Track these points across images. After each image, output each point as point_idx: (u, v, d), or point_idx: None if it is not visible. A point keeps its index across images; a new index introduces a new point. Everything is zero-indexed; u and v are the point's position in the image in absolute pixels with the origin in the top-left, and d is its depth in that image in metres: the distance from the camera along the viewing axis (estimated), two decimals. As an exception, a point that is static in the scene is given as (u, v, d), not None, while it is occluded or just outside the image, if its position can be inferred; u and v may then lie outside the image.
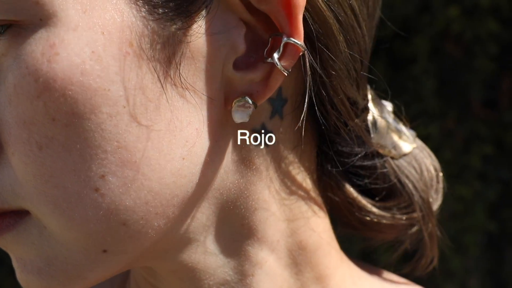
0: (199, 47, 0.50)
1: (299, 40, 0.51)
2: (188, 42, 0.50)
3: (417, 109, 1.87)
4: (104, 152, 0.49)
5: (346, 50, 0.55)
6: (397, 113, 0.67)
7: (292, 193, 0.58)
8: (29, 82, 0.47)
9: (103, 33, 0.47)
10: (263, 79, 0.52)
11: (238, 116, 0.52)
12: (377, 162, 0.63)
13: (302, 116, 0.54)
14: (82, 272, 0.53)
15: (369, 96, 0.62)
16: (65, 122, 0.48)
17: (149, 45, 0.49)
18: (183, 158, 0.51)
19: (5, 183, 0.51)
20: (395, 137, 0.63)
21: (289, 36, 0.50)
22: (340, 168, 0.60)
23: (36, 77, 0.47)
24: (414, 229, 0.66)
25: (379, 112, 0.63)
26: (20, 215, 0.53)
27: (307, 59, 0.53)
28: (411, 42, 1.92)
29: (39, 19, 0.47)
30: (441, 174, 0.67)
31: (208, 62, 0.51)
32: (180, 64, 0.50)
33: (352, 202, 0.63)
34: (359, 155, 0.61)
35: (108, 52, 0.48)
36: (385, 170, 0.63)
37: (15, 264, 0.56)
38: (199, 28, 0.50)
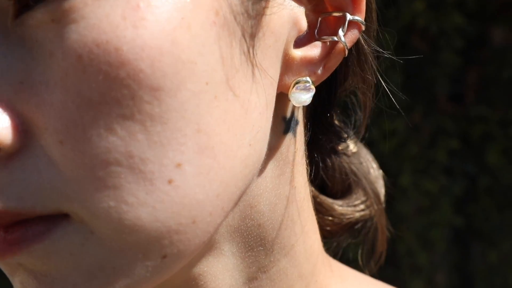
0: (268, 22, 0.46)
1: (362, 18, 0.48)
2: (263, 15, 0.45)
3: (383, 103, 1.87)
4: (184, 136, 0.42)
5: (375, 35, 0.54)
6: (353, 115, 0.68)
7: (306, 190, 0.54)
8: (108, 52, 0.40)
9: None
10: (322, 59, 0.49)
11: (302, 98, 0.48)
12: (334, 159, 0.61)
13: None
14: (133, 285, 0.45)
15: None
16: (147, 100, 0.41)
17: (233, 16, 0.44)
18: (250, 145, 0.46)
19: (42, 180, 0.42)
20: (350, 134, 0.62)
21: (352, 14, 0.48)
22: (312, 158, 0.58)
23: (117, 46, 0.40)
24: (359, 225, 0.64)
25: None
26: (54, 221, 0.43)
27: (361, 39, 0.51)
28: (376, 36, 1.91)
29: None
30: (381, 171, 0.67)
31: (274, 39, 0.47)
32: (254, 39, 0.45)
33: (312, 201, 0.58)
34: (345, 148, 0.59)
35: (197, 19, 0.42)
36: (342, 167, 0.61)
37: (29, 284, 0.45)
38: (274, 2, 0.46)
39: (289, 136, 0.51)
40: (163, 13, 0.42)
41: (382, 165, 0.67)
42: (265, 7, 0.46)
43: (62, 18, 0.41)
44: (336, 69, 0.51)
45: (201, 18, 0.43)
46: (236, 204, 0.48)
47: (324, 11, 0.49)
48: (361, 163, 0.64)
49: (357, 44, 0.52)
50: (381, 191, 0.66)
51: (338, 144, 0.59)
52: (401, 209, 2.08)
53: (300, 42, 0.49)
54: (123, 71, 0.41)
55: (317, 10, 0.49)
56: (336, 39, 0.48)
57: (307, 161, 0.56)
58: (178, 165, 0.43)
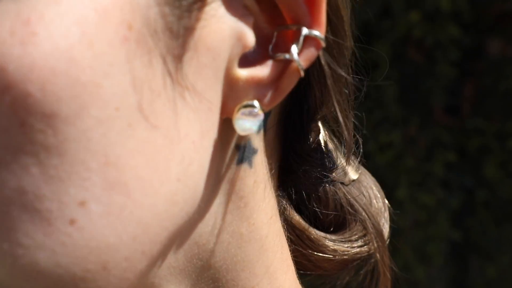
0: (203, 37, 0.40)
1: (322, 33, 0.41)
2: (194, 29, 0.39)
3: (379, 116, 1.86)
4: (88, 170, 0.37)
5: (351, 47, 0.46)
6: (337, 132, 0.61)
7: (271, 228, 0.48)
8: None
9: (96, 9, 0.37)
10: (273, 80, 0.42)
11: (245, 126, 0.42)
12: (327, 188, 0.53)
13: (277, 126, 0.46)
14: None
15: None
16: (39, 128, 0.36)
17: (151, 31, 0.38)
18: (178, 180, 0.40)
19: None
20: (343, 162, 0.54)
21: (309, 28, 0.41)
22: (295, 190, 0.51)
23: (2, 65, 0.35)
24: (358, 262, 0.58)
25: (326, 132, 0.53)
26: None
27: (322, 58, 0.43)
28: (372, 47, 1.90)
29: None
30: (387, 202, 0.58)
31: (212, 57, 0.40)
32: (183, 57, 0.39)
33: (302, 234, 0.53)
34: (332, 176, 0.51)
35: (103, 35, 0.37)
36: (337, 197, 0.53)
37: None
38: (211, 12, 0.40)
39: (244, 167, 0.45)
40: (59, 27, 0.36)
41: (378, 178, 0.64)
42: (195, 20, 0.39)
43: None
44: (306, 89, 0.45)
45: (108, 33, 0.37)
46: (166, 246, 0.42)
47: (281, 24, 0.42)
48: (361, 193, 0.56)
49: (319, 63, 0.45)
50: (385, 225, 0.58)
51: (326, 173, 0.52)
52: (397, 223, 2.05)
53: (248, 60, 0.42)
54: (9, 95, 0.36)
55: (274, 23, 0.42)
56: (289, 57, 0.41)
57: (288, 192, 0.51)
58: (82, 204, 0.38)
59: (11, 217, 0.37)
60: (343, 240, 0.54)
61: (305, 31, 0.40)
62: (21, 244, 0.37)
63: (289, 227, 0.52)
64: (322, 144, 0.49)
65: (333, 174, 0.52)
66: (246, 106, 0.41)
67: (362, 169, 0.57)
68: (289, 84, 0.42)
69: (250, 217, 0.46)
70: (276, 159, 0.48)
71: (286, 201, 0.50)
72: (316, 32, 0.40)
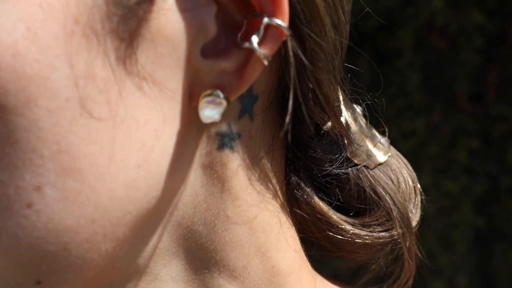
0: (160, 28, 0.41)
1: (283, 22, 0.41)
2: (148, 21, 0.40)
3: (402, 103, 1.85)
4: (41, 157, 0.39)
5: (333, 36, 0.46)
6: (368, 117, 0.59)
7: (261, 209, 0.49)
8: None
9: (42, 5, 0.38)
10: (237, 69, 0.43)
11: (207, 114, 0.43)
12: (350, 172, 0.54)
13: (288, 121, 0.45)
14: None
15: (341, 97, 0.53)
16: None
17: (100, 23, 0.40)
18: (139, 166, 0.42)
19: None
20: (369, 144, 0.55)
21: (270, 17, 0.41)
22: (312, 175, 0.52)
23: None
24: (388, 248, 0.57)
25: (351, 116, 0.54)
26: None
27: (289, 46, 0.43)
28: (395, 35, 1.90)
29: None
30: (418, 186, 0.59)
31: (171, 47, 0.42)
32: (137, 48, 0.41)
33: (322, 218, 0.54)
34: (338, 161, 0.52)
35: (48, 29, 0.38)
36: (359, 181, 0.54)
37: None
38: (162, 3, 0.41)
39: (226, 152, 0.47)
40: (4, 24, 0.38)
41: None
42: (146, 12, 0.41)
43: None
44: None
45: (54, 28, 0.39)
46: (138, 228, 0.44)
47: (235, 14, 0.43)
48: (388, 177, 0.56)
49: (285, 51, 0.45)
50: (413, 211, 0.58)
51: (335, 158, 0.53)
52: (421, 210, 2.05)
53: (211, 49, 0.43)
54: None
55: (244, 11, 0.43)
56: (249, 46, 0.42)
57: (307, 176, 0.51)
58: (37, 188, 0.40)
59: None
60: (363, 224, 0.54)
61: (266, 20, 0.41)
62: None
63: (310, 209, 0.52)
64: (336, 128, 0.50)
65: (354, 158, 0.52)
66: (209, 95, 0.43)
67: (394, 151, 0.56)
68: (253, 73, 0.43)
69: (235, 199, 0.47)
70: (278, 145, 0.49)
71: (305, 185, 0.52)
72: (277, 21, 0.41)
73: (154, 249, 0.46)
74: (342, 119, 0.51)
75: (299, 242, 0.53)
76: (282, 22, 0.41)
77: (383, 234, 0.55)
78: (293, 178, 0.51)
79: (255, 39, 0.41)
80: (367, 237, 0.55)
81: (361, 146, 0.53)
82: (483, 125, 1.97)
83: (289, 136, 0.49)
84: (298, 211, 0.53)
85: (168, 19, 0.41)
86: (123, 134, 0.41)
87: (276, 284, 0.50)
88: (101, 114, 0.40)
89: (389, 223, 0.55)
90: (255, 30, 0.42)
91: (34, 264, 0.41)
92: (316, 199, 0.53)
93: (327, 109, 0.48)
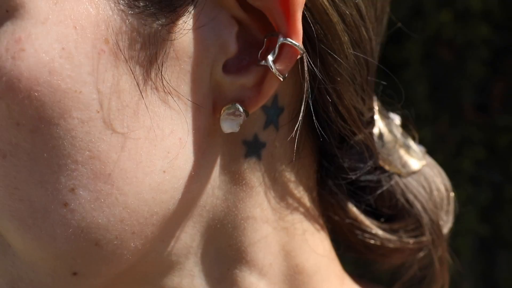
0: (184, 46, 0.45)
1: (296, 41, 0.45)
2: (172, 40, 0.44)
3: (409, 113, 1.87)
4: (75, 162, 0.43)
5: (352, 52, 0.49)
6: (405, 126, 0.60)
7: (287, 212, 0.52)
8: None
9: (76, 27, 0.42)
10: (256, 84, 0.47)
11: (227, 126, 0.47)
12: (383, 179, 0.56)
13: (297, 126, 0.48)
14: None
15: (376, 107, 0.56)
16: (30, 128, 0.43)
17: (127, 43, 0.43)
18: (164, 171, 0.46)
19: None
20: (403, 153, 0.57)
21: (285, 37, 0.45)
22: (342, 183, 0.54)
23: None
24: (423, 253, 0.59)
25: (385, 125, 0.57)
26: None
27: (305, 63, 0.47)
28: (403, 46, 1.92)
29: (5, 11, 0.42)
30: (452, 194, 0.61)
31: (195, 64, 0.45)
32: (162, 65, 0.44)
33: (355, 223, 0.57)
34: (363, 170, 0.54)
35: (81, 49, 0.43)
36: (391, 188, 0.56)
37: None
38: (184, 25, 0.44)
39: (253, 159, 0.50)
40: (42, 44, 0.42)
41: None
42: (170, 32, 0.44)
43: None
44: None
45: (85, 47, 0.43)
46: (167, 228, 0.48)
47: (257, 33, 0.46)
48: (421, 186, 0.58)
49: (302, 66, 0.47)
50: (445, 218, 0.60)
51: (366, 165, 0.55)
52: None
53: (232, 66, 0.47)
54: (4, 101, 0.42)
55: (265, 30, 0.46)
56: (265, 64, 0.45)
57: (339, 182, 0.53)
58: (72, 190, 0.44)
59: (18, 201, 0.44)
60: (393, 230, 0.57)
61: (281, 39, 0.45)
62: (26, 223, 0.45)
63: (343, 214, 0.56)
64: (361, 139, 0.53)
65: (386, 166, 0.55)
66: (229, 108, 0.46)
67: (429, 159, 0.59)
68: (269, 89, 0.47)
69: (262, 203, 0.51)
70: (305, 153, 0.52)
71: (338, 190, 0.55)
72: (292, 41, 0.45)
73: (187, 248, 0.50)
74: (376, 129, 0.54)
75: (327, 245, 0.55)
76: (295, 41, 0.45)
77: (413, 240, 0.57)
78: (326, 183, 0.54)
79: (270, 57, 0.45)
80: (397, 242, 0.57)
81: (390, 155, 0.55)
82: (489, 135, 1.99)
83: (295, 146, 0.50)
84: (332, 215, 0.56)
85: (191, 39, 0.45)
86: (149, 143, 0.45)
87: (300, 282, 0.53)
88: (129, 125, 0.44)
89: (419, 229, 0.57)
90: (273, 48, 0.45)
91: (69, 257, 0.46)
92: (349, 204, 0.56)
93: (349, 121, 0.51)
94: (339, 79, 0.48)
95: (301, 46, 0.45)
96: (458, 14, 1.90)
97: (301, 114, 0.48)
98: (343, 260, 0.59)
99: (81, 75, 0.43)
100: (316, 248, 0.54)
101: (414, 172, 0.58)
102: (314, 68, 0.47)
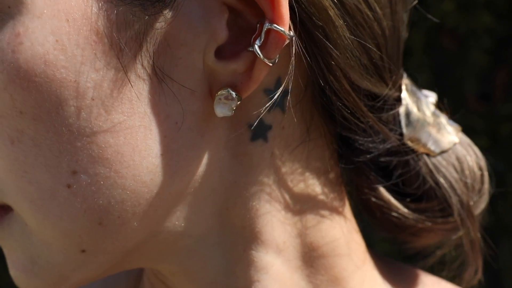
0: (174, 34, 0.46)
1: (282, 26, 0.46)
2: (161, 29, 0.46)
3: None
4: (74, 147, 0.46)
5: (348, 36, 0.49)
6: (439, 105, 0.59)
7: (299, 191, 0.53)
8: None
9: (68, 20, 0.45)
10: (247, 69, 0.48)
11: (220, 109, 0.48)
12: (410, 159, 0.56)
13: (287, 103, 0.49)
14: (64, 272, 0.50)
15: (403, 86, 0.56)
16: (32, 116, 0.45)
17: (118, 33, 0.45)
18: (161, 154, 0.48)
19: None
20: (432, 131, 0.56)
21: (271, 22, 0.46)
22: (353, 165, 0.55)
23: (1, 69, 0.45)
24: (457, 234, 0.59)
25: (414, 103, 0.56)
26: (5, 210, 0.51)
27: (293, 47, 0.47)
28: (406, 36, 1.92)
29: (7, 7, 0.44)
30: (486, 173, 0.60)
31: (186, 51, 0.47)
32: (154, 53, 0.46)
33: (381, 202, 0.57)
34: (377, 152, 0.54)
35: (73, 40, 0.45)
36: (419, 169, 0.56)
37: (7, 258, 0.53)
38: (174, 13, 0.46)
39: (259, 142, 0.51)
40: (38, 37, 0.44)
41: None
42: (159, 22, 0.46)
43: None
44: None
45: (78, 39, 0.45)
46: (170, 209, 0.50)
47: (251, 19, 0.47)
48: (451, 165, 0.57)
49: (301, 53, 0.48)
50: (476, 199, 0.59)
51: (384, 146, 0.54)
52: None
53: (226, 51, 0.48)
54: (7, 91, 0.45)
55: (244, 18, 0.47)
56: (252, 50, 0.47)
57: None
58: (73, 173, 0.47)
59: (28, 182, 0.47)
60: (422, 210, 0.57)
61: (266, 25, 0.46)
62: (35, 203, 0.48)
63: (368, 192, 0.56)
64: (390, 116, 0.53)
65: (414, 145, 0.55)
66: (222, 93, 0.48)
67: (463, 138, 0.58)
68: (259, 74, 0.48)
69: (273, 184, 0.52)
70: (314, 135, 0.53)
71: (363, 170, 0.56)
72: (278, 26, 0.46)
73: (200, 229, 0.52)
74: (402, 107, 0.54)
75: (348, 220, 0.56)
76: (281, 27, 0.46)
77: (441, 220, 0.57)
78: (352, 162, 0.55)
79: (257, 43, 0.46)
80: (426, 222, 0.57)
81: (418, 134, 0.55)
82: (491, 124, 1.99)
83: (307, 128, 0.52)
84: (360, 193, 0.57)
85: (181, 27, 0.46)
86: (145, 128, 0.47)
87: (315, 258, 0.54)
88: (123, 111, 0.46)
89: (448, 210, 0.57)
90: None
91: (76, 236, 0.49)
92: (375, 183, 0.56)
93: (349, 106, 0.51)
94: (333, 63, 0.49)
95: (287, 31, 0.46)
96: (461, 3, 1.90)
97: (285, 95, 0.49)
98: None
99: (75, 66, 0.45)
100: (332, 227, 0.54)
101: (444, 151, 0.57)
102: (305, 52, 0.48)
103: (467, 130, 2.23)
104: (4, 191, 0.49)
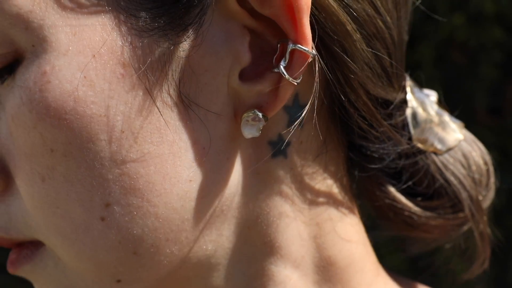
0: (199, 61, 0.47)
1: (306, 46, 0.47)
2: (186, 57, 0.47)
3: (422, 116, 1.87)
4: (106, 180, 0.47)
5: (365, 48, 0.50)
6: (441, 103, 0.60)
7: (317, 205, 0.54)
8: (24, 113, 0.46)
9: (94, 56, 0.46)
10: (272, 89, 0.49)
11: (248, 131, 0.49)
12: (419, 160, 0.58)
13: (314, 121, 0.50)
14: None
15: (408, 88, 0.57)
16: (63, 152, 0.46)
17: (144, 64, 0.46)
18: (190, 180, 0.49)
19: (17, 214, 0.50)
20: (438, 130, 0.58)
21: (295, 42, 0.47)
22: (367, 173, 0.56)
23: (30, 108, 0.46)
24: (465, 227, 0.61)
25: (419, 104, 0.58)
26: (36, 246, 0.51)
27: (317, 65, 0.48)
28: (416, 49, 1.92)
29: (31, 46, 0.45)
30: (492, 168, 0.62)
31: (211, 76, 0.48)
32: (180, 81, 0.47)
33: (394, 203, 0.58)
34: (389, 159, 0.56)
35: (101, 75, 0.46)
36: (428, 168, 0.58)
37: None
38: (196, 41, 0.47)
39: (280, 158, 0.52)
40: (66, 75, 0.45)
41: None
42: (183, 50, 0.46)
43: (6, 84, 0.47)
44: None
45: (105, 73, 0.46)
46: (200, 232, 0.51)
47: (271, 39, 0.49)
48: (458, 161, 0.59)
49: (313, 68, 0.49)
50: (484, 193, 0.61)
51: (394, 151, 0.56)
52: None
53: (249, 73, 0.49)
54: (37, 130, 0.46)
55: (264, 39, 0.49)
56: (277, 71, 0.48)
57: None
58: (107, 205, 0.47)
59: (60, 218, 0.48)
60: (433, 207, 0.59)
61: (290, 45, 0.47)
62: (69, 238, 0.48)
63: (383, 195, 0.57)
64: (400, 120, 0.54)
65: (422, 145, 0.57)
66: (249, 114, 0.49)
67: (467, 134, 0.61)
68: (285, 93, 0.49)
69: (293, 199, 0.53)
70: (331, 146, 0.54)
71: (374, 175, 0.57)
72: (302, 47, 0.47)
73: (224, 250, 0.53)
74: (408, 109, 0.56)
75: (361, 233, 0.57)
76: (305, 46, 0.47)
77: (453, 215, 0.59)
78: (366, 168, 0.56)
79: (282, 63, 0.47)
80: (438, 219, 0.59)
81: (425, 134, 0.56)
82: (501, 138, 1.99)
83: (323, 140, 0.52)
84: (372, 198, 0.58)
85: (205, 53, 0.47)
86: (174, 155, 0.48)
87: (332, 273, 0.55)
88: (153, 141, 0.47)
89: (458, 206, 0.59)
90: (285, 54, 0.47)
91: (112, 267, 0.49)
92: (388, 186, 0.58)
93: (367, 116, 0.53)
94: (352, 76, 0.50)
95: (311, 50, 0.47)
96: (471, 17, 1.90)
97: (305, 111, 0.49)
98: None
99: (104, 100, 0.46)
100: (350, 238, 0.55)
101: (450, 149, 0.58)
102: (327, 68, 0.49)
103: (477, 144, 2.17)
104: (35, 227, 0.49)
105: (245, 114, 0.49)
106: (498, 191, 2.26)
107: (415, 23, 2.18)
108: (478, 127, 1.99)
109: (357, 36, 0.50)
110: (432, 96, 0.60)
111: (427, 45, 1.92)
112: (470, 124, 2.26)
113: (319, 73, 0.49)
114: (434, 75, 1.92)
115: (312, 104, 0.50)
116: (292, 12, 0.46)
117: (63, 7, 0.44)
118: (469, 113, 1.98)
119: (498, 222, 2.09)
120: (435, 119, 0.59)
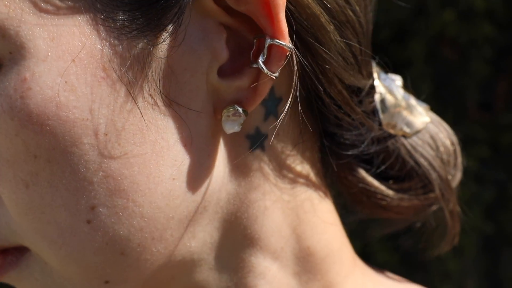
0: (177, 60, 0.47)
1: (283, 41, 0.47)
2: (165, 57, 0.47)
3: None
4: (91, 183, 0.47)
5: (339, 39, 0.51)
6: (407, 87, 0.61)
7: (296, 195, 0.55)
8: (5, 121, 0.45)
9: (74, 60, 0.45)
10: (251, 84, 0.49)
11: (229, 126, 0.49)
12: (389, 144, 0.58)
13: (285, 111, 0.50)
14: None
15: (375, 74, 0.58)
16: (46, 158, 0.46)
17: (123, 67, 0.46)
18: (173, 179, 0.49)
19: (1, 221, 0.49)
20: (406, 114, 0.59)
21: (272, 38, 0.47)
22: (341, 160, 0.56)
23: (11, 115, 0.45)
24: (435, 207, 0.61)
25: (386, 89, 0.59)
26: (21, 251, 0.51)
27: (294, 58, 0.48)
28: (406, 46, 1.93)
29: (9, 53, 0.44)
30: (458, 148, 0.63)
31: (190, 74, 0.48)
32: (160, 81, 0.47)
33: (367, 187, 0.59)
34: (363, 146, 0.57)
35: (82, 80, 0.45)
36: (398, 151, 0.59)
37: None
38: (174, 41, 0.47)
39: (257, 152, 0.52)
40: (46, 81, 0.45)
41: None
42: (161, 50, 0.46)
43: None
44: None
45: (86, 77, 0.45)
46: (184, 228, 0.51)
47: (247, 35, 0.48)
48: (426, 143, 0.60)
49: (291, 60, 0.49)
50: (452, 172, 0.61)
51: (366, 137, 0.57)
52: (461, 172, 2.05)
53: (227, 69, 0.49)
54: (20, 137, 0.45)
55: (241, 35, 0.49)
56: (256, 66, 0.47)
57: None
58: (92, 208, 0.47)
59: (45, 224, 0.48)
60: (404, 189, 0.60)
61: (268, 41, 0.47)
62: (55, 242, 0.48)
63: (355, 180, 0.58)
64: (366, 108, 0.55)
65: (391, 129, 0.58)
66: (229, 110, 0.49)
67: (433, 116, 0.61)
68: (264, 87, 0.49)
69: (272, 191, 0.54)
70: (307, 136, 0.55)
71: (346, 161, 0.57)
72: (279, 41, 0.47)
73: (206, 245, 0.53)
74: (377, 95, 0.57)
75: (338, 220, 0.58)
76: (282, 41, 0.47)
77: (424, 196, 0.60)
78: (337, 157, 0.57)
79: (260, 59, 0.47)
80: (409, 200, 0.60)
81: (393, 118, 0.58)
82: (492, 133, 2.00)
83: (300, 131, 0.53)
84: (347, 184, 0.59)
85: (183, 52, 0.47)
86: (156, 155, 0.48)
87: (312, 263, 0.55)
88: (135, 141, 0.47)
89: (429, 186, 0.60)
90: (263, 49, 0.48)
91: (100, 268, 0.49)
92: (360, 171, 0.59)
93: (342, 105, 0.53)
94: (327, 66, 0.50)
95: (288, 44, 0.47)
96: (462, 13, 1.91)
97: (287, 104, 0.50)
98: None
99: (86, 104, 0.46)
100: (326, 231, 0.56)
101: (418, 131, 0.59)
102: (304, 60, 0.49)
103: (468, 139, 2.24)
104: (20, 233, 0.49)
105: (226, 110, 0.49)
106: (489, 186, 2.27)
107: (406, 19, 2.19)
108: (469, 123, 2.00)
109: (330, 27, 0.50)
110: (397, 80, 0.61)
111: (418, 41, 1.93)
112: (461, 120, 2.28)
113: (298, 67, 0.49)
114: (425, 71, 1.92)
115: (295, 97, 0.50)
116: (269, 8, 0.46)
117: (39, 13, 0.44)
118: (461, 108, 1.99)
119: (490, 217, 2.11)
120: (403, 103, 0.60)
